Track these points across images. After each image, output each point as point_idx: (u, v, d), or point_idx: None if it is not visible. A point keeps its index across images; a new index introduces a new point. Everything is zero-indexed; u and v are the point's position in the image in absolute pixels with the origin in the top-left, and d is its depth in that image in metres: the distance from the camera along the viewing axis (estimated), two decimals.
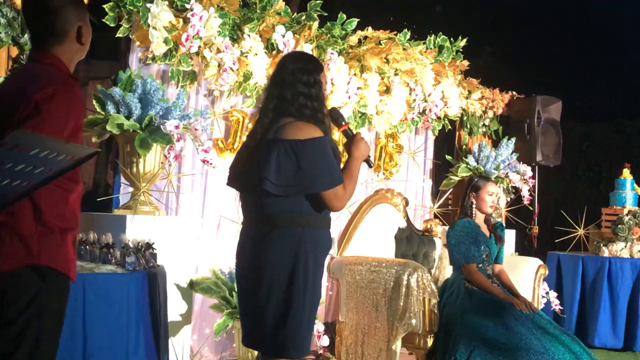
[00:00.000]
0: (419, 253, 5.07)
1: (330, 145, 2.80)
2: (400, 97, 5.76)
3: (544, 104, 6.96)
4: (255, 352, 4.20)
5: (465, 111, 6.67)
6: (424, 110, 6.10)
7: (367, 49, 5.51)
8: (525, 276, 4.84)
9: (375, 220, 4.82)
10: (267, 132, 2.83)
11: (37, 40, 2.34)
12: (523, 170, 6.50)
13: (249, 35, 4.65)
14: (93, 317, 2.87)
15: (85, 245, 3.31)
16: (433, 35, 6.20)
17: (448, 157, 6.73)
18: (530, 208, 6.81)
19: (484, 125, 6.96)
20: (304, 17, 5.01)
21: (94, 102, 4.02)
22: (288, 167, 2.72)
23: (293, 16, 5.00)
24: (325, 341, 4.61)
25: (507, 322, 3.90)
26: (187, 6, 4.34)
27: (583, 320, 6.30)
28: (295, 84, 2.83)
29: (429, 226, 5.25)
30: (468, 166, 6.39)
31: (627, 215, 6.52)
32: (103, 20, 4.17)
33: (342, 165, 2.93)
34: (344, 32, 5.36)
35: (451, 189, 6.59)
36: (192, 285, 4.21)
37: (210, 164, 4.34)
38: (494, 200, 4.47)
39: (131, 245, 3.28)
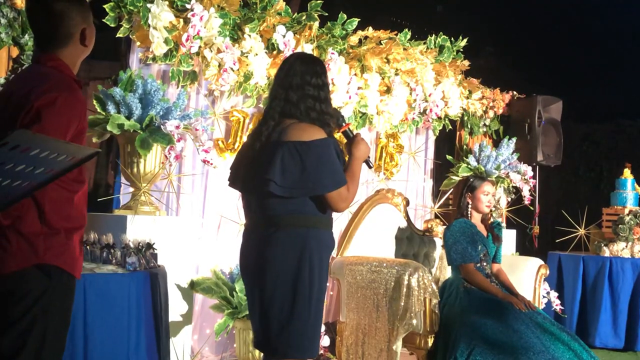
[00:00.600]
0: (420, 253, 5.07)
1: (334, 147, 2.81)
2: (401, 97, 5.75)
3: (544, 103, 6.96)
4: (257, 353, 4.22)
5: (466, 111, 6.67)
6: (424, 110, 6.10)
7: (367, 49, 5.50)
8: (526, 276, 4.84)
9: (376, 220, 4.82)
10: (271, 134, 2.83)
11: (41, 42, 2.34)
12: (524, 170, 6.50)
13: (249, 36, 4.65)
14: (94, 318, 2.87)
15: (86, 246, 3.31)
16: (434, 35, 6.20)
17: (449, 157, 6.73)
18: (531, 208, 6.81)
19: (484, 125, 6.96)
20: (304, 17, 5.01)
21: (95, 102, 4.02)
22: (293, 169, 2.72)
23: (293, 16, 5.00)
24: (325, 341, 4.61)
25: (507, 321, 3.90)
26: (188, 6, 4.34)
27: (584, 320, 6.29)
28: (304, 87, 2.84)
29: (429, 226, 5.24)
30: (469, 166, 6.39)
31: (628, 215, 6.52)
32: (103, 20, 4.16)
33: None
34: (344, 32, 5.36)
35: (452, 189, 6.59)
36: (193, 285, 4.21)
37: (211, 164, 4.34)
38: (490, 200, 4.46)
39: (132, 245, 3.27)
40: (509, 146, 6.49)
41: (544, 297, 5.60)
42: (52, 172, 1.85)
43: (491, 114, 6.94)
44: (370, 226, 4.76)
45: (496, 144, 6.76)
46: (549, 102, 7.04)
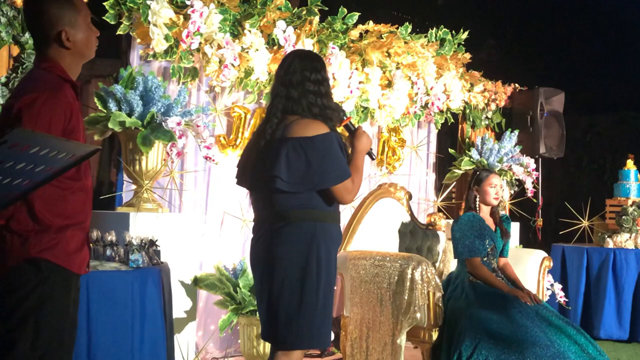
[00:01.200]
0: (423, 247, 5.06)
1: (337, 141, 2.85)
2: (403, 91, 5.74)
3: (546, 95, 6.95)
4: (261, 348, 4.22)
5: (468, 104, 6.66)
6: (426, 104, 6.09)
7: (368, 43, 5.49)
8: (530, 268, 4.83)
9: (378, 214, 4.82)
10: (275, 131, 2.86)
11: (34, 44, 2.38)
12: (526, 162, 6.49)
13: (249, 31, 4.64)
14: (97, 315, 2.88)
15: (89, 243, 3.31)
16: (435, 28, 6.18)
17: (451, 151, 6.72)
18: (534, 200, 6.80)
19: (486, 118, 6.94)
20: (304, 12, 5.00)
21: (96, 100, 4.02)
22: (298, 165, 2.76)
23: (294, 11, 4.99)
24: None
25: (512, 315, 3.89)
26: (188, 2, 4.33)
27: (588, 312, 6.29)
28: (304, 83, 2.87)
29: (432, 220, 5.23)
30: (471, 159, 6.38)
31: (631, 206, 6.51)
32: (103, 17, 4.16)
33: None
34: (345, 26, 5.35)
35: (454, 183, 6.59)
36: (196, 281, 4.21)
37: (213, 160, 4.33)
38: (497, 191, 4.45)
39: (135, 242, 3.28)
40: (511, 139, 6.48)
41: (547, 289, 5.59)
42: (52, 170, 1.85)
43: (493, 106, 6.93)
44: (373, 220, 4.76)
45: (498, 137, 6.74)
46: (551, 94, 7.02)
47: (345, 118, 3.05)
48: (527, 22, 13.32)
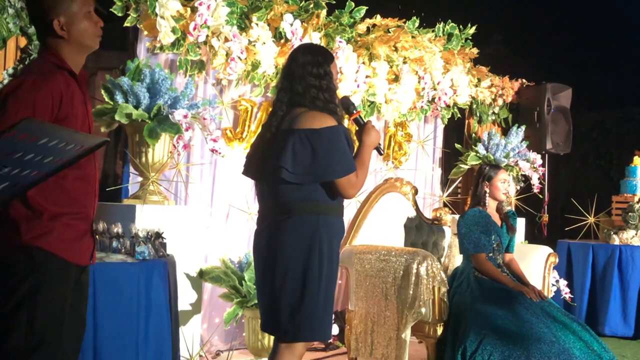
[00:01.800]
0: (429, 242, 5.06)
1: (344, 134, 2.86)
2: (409, 86, 5.73)
3: (554, 91, 6.92)
4: (266, 341, 4.23)
5: (475, 99, 6.64)
6: (433, 99, 6.07)
7: (375, 37, 5.48)
8: (535, 264, 4.82)
9: (384, 209, 4.81)
10: (282, 123, 2.88)
11: (36, 33, 2.40)
12: (533, 158, 6.48)
13: (256, 24, 4.63)
14: (103, 307, 2.88)
15: (95, 235, 3.31)
16: (442, 22, 6.16)
17: (457, 146, 6.71)
18: (540, 196, 6.78)
19: (493, 113, 6.93)
20: (312, 5, 4.99)
21: (103, 91, 4.02)
22: (304, 156, 2.77)
23: (301, 4, 4.98)
24: (334, 330, 4.62)
25: (518, 311, 3.89)
26: None
27: (593, 308, 6.28)
28: (306, 77, 2.88)
29: (438, 215, 5.23)
30: (477, 154, 6.37)
31: (637, 203, 6.49)
32: (111, 10, 4.16)
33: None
34: (352, 20, 5.34)
35: (460, 178, 6.58)
36: (202, 274, 4.22)
37: (219, 153, 4.33)
38: (506, 187, 4.46)
39: (141, 234, 3.28)
40: (518, 134, 6.46)
41: (553, 285, 5.58)
42: (60, 161, 1.84)
43: (500, 102, 6.91)
44: (379, 215, 4.76)
45: (505, 132, 6.73)
46: (559, 90, 7.00)
47: (355, 112, 3.07)
48: (534, 17, 13.28)
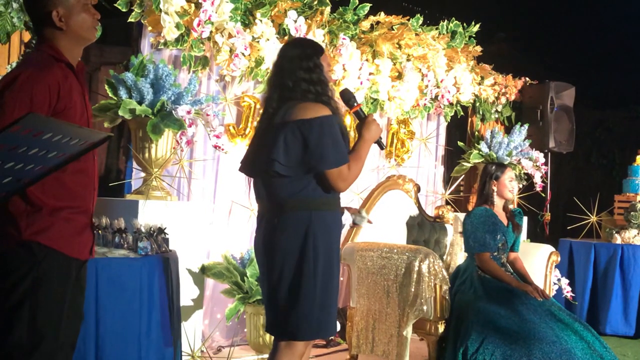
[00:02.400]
0: (431, 239, 5.06)
1: (338, 125, 2.81)
2: (413, 83, 5.73)
3: (557, 90, 6.92)
4: (267, 337, 4.23)
5: (478, 97, 6.64)
6: (436, 96, 6.07)
7: (379, 34, 5.48)
8: (537, 263, 4.82)
9: (386, 206, 4.81)
10: (273, 118, 2.84)
11: (32, 26, 2.39)
12: (535, 156, 6.48)
13: (260, 21, 4.64)
14: (106, 302, 2.88)
15: (98, 230, 3.32)
16: (446, 20, 6.16)
17: (460, 144, 6.71)
18: (543, 195, 6.78)
19: (496, 111, 6.92)
20: (316, 2, 4.99)
21: (106, 87, 4.02)
22: (296, 147, 2.74)
23: (305, 1, 4.97)
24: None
25: (520, 311, 3.89)
26: None
27: (595, 307, 6.28)
28: (296, 71, 2.84)
29: (440, 212, 5.22)
30: (480, 152, 6.37)
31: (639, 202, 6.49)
32: (115, 5, 4.16)
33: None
34: (356, 17, 5.33)
35: (463, 176, 6.57)
36: (204, 270, 4.23)
37: (222, 149, 4.34)
38: (513, 185, 4.45)
39: (143, 230, 3.28)
40: (521, 133, 6.46)
41: (554, 284, 5.58)
42: (64, 156, 1.84)
43: (503, 100, 6.91)
44: (381, 212, 4.76)
45: (508, 131, 6.73)
46: (562, 89, 7.00)
47: (355, 105, 3.02)
48: (538, 15, 13.26)
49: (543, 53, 12.64)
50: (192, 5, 4.34)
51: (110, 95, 3.99)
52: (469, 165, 6.46)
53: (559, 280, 5.90)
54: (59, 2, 2.29)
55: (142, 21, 4.30)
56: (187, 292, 4.02)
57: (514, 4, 12.94)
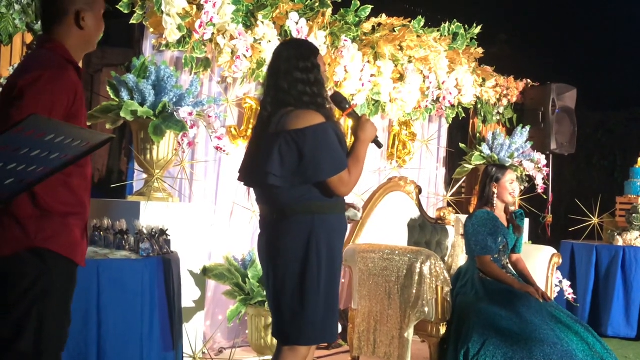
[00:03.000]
0: (432, 241, 5.06)
1: (333, 130, 2.77)
2: (414, 85, 5.73)
3: (559, 92, 6.92)
4: (269, 338, 4.24)
5: (480, 99, 6.64)
6: (437, 98, 6.07)
7: (381, 36, 5.48)
8: (539, 265, 4.82)
9: (388, 208, 4.81)
10: (267, 125, 2.80)
11: (43, 24, 2.34)
12: (537, 158, 6.47)
13: (262, 22, 4.64)
14: (107, 303, 2.88)
15: (100, 231, 3.33)
16: (447, 22, 6.16)
17: (462, 145, 6.71)
18: (544, 196, 6.78)
19: (498, 113, 6.93)
20: (317, 4, 4.99)
21: (108, 88, 4.03)
22: (291, 158, 2.70)
23: (306, 3, 4.98)
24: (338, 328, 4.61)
25: (521, 313, 3.88)
26: None
27: (596, 309, 6.27)
28: (292, 72, 2.80)
29: (442, 214, 5.22)
30: (482, 154, 6.37)
31: None
32: (117, 7, 4.17)
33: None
34: (357, 19, 5.34)
35: (464, 178, 6.57)
36: (206, 271, 4.23)
37: (224, 151, 4.34)
38: (514, 187, 4.43)
39: (145, 231, 3.28)
40: (522, 134, 6.46)
41: (556, 286, 5.58)
42: (66, 157, 1.85)
43: (505, 102, 6.91)
44: (383, 214, 4.76)
45: (510, 132, 6.73)
46: (563, 90, 7.00)
47: (348, 107, 2.98)
48: (539, 17, 13.27)
49: (544, 55, 12.64)
50: (194, 7, 4.34)
51: (112, 96, 4.00)
52: (470, 167, 6.46)
53: (560, 282, 5.89)
54: (85, 3, 2.30)
55: (144, 23, 4.31)
56: (189, 294, 4.02)
57: (515, 5, 12.95)
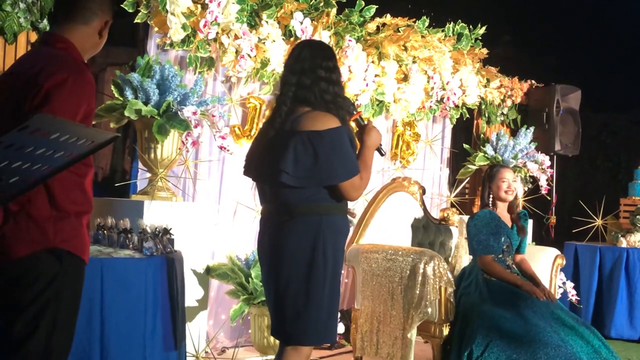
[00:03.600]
0: (436, 242, 5.06)
1: (347, 135, 2.79)
2: (418, 85, 5.73)
3: (563, 93, 6.91)
4: (272, 338, 4.23)
5: (484, 100, 6.63)
6: (441, 99, 6.07)
7: (385, 36, 5.48)
8: (543, 266, 4.81)
9: (391, 208, 4.81)
10: (285, 122, 2.81)
11: (63, 20, 2.31)
12: (541, 159, 6.46)
13: (266, 22, 4.64)
14: (111, 302, 2.88)
15: (103, 230, 3.33)
16: (452, 22, 6.15)
17: (466, 146, 6.70)
18: (548, 198, 6.77)
19: (502, 114, 6.92)
20: (322, 4, 4.99)
21: (112, 87, 4.03)
22: (306, 159, 2.70)
23: (311, 3, 4.98)
24: (340, 328, 4.62)
25: (525, 314, 3.87)
26: None
27: (600, 311, 6.26)
28: (316, 70, 2.81)
29: (445, 215, 5.22)
30: (486, 155, 6.36)
31: None
32: (121, 5, 4.17)
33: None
34: (362, 19, 5.34)
35: (468, 178, 6.57)
36: (209, 271, 4.23)
37: (228, 150, 4.35)
38: (509, 185, 4.40)
39: (149, 230, 3.28)
40: (526, 135, 6.45)
41: (560, 287, 5.57)
42: (71, 156, 1.85)
43: (509, 102, 6.90)
44: (386, 214, 4.75)
45: (514, 133, 6.72)
46: (568, 92, 6.99)
47: (355, 113, 2.99)
48: (544, 18, 13.25)
49: (549, 56, 12.62)
50: (199, 6, 4.35)
51: (117, 95, 4.00)
52: (474, 167, 6.45)
53: (564, 283, 5.88)
54: (110, 13, 2.36)
55: (148, 22, 4.31)
56: (192, 293, 4.02)
57: (520, 6, 12.94)
